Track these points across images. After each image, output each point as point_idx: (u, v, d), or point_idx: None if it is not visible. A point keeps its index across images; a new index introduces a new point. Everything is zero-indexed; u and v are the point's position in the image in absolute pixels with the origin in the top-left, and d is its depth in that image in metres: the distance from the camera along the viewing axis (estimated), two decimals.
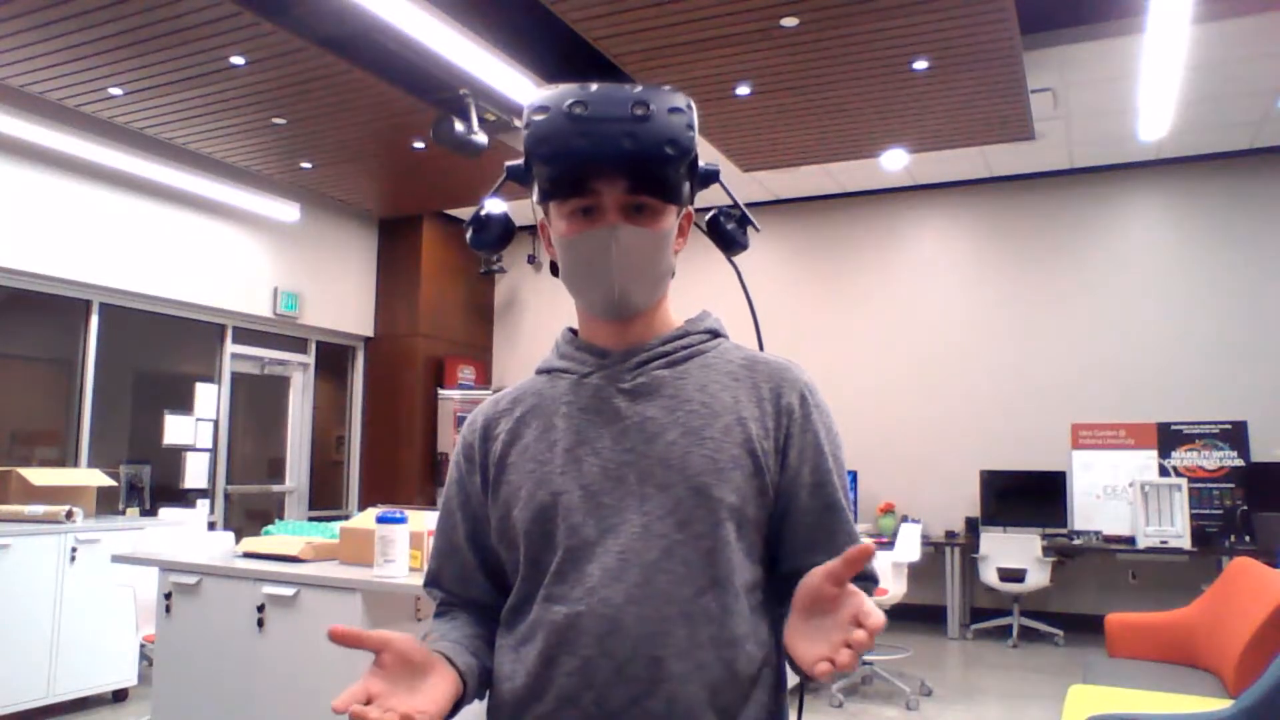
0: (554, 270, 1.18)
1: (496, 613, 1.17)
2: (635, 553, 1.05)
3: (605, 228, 1.07)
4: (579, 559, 1.07)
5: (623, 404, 1.12)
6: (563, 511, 1.09)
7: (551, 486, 1.10)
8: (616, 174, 1.06)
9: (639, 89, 1.07)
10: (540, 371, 1.23)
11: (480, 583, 1.20)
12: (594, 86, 1.07)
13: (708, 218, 1.26)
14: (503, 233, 1.25)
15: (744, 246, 1.25)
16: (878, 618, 0.84)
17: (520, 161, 1.14)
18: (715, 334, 1.21)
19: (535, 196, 1.14)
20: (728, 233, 1.24)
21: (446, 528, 1.23)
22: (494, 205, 1.26)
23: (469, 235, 1.25)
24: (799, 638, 0.92)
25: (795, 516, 1.12)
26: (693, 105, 1.08)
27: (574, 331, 1.23)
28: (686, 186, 1.12)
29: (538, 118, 1.07)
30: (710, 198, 1.35)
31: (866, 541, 1.08)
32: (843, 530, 1.12)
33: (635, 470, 1.08)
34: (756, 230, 1.25)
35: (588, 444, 1.11)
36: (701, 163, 1.14)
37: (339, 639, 0.91)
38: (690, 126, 1.06)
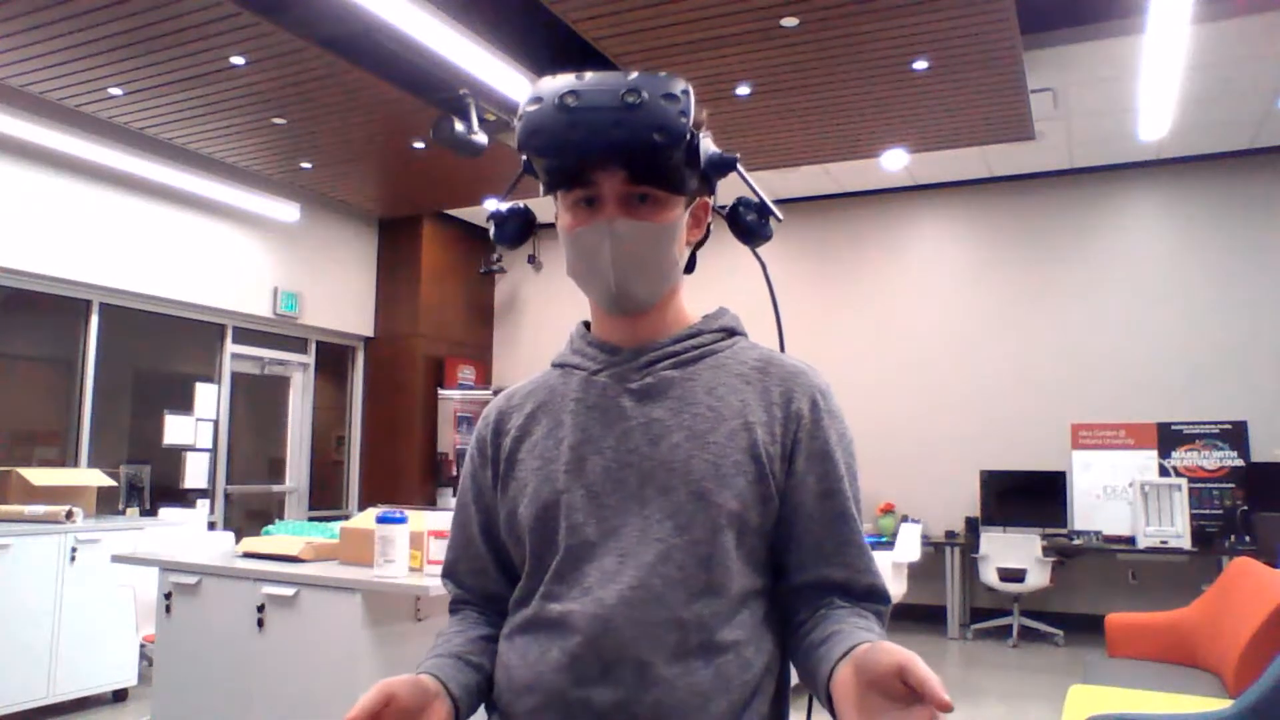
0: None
1: (508, 603, 1.17)
2: (633, 555, 1.03)
3: (602, 221, 1.06)
4: (579, 559, 1.06)
5: (629, 404, 1.10)
6: (565, 510, 1.08)
7: (555, 485, 1.09)
8: (613, 164, 1.04)
9: (634, 75, 1.04)
10: (555, 365, 1.21)
11: (494, 575, 1.20)
12: (589, 75, 1.05)
13: (727, 208, 1.22)
14: (523, 225, 1.22)
15: (765, 237, 1.21)
16: None
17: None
18: (732, 332, 1.18)
19: (542, 189, 1.12)
20: (746, 223, 1.20)
21: (462, 520, 1.22)
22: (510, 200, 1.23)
23: (492, 232, 1.22)
24: (853, 703, 0.88)
25: (802, 525, 1.09)
26: (691, 92, 1.04)
27: (588, 325, 1.21)
28: (694, 176, 1.09)
29: (531, 109, 1.05)
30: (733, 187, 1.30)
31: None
32: (853, 541, 1.10)
33: (637, 472, 1.07)
34: (778, 220, 1.21)
35: (592, 443, 1.09)
36: (718, 150, 1.10)
37: None
38: (684, 114, 1.02)
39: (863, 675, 0.87)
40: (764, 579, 1.10)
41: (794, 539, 1.09)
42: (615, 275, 1.07)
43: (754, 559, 1.08)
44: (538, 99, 1.05)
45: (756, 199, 1.20)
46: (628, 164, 1.04)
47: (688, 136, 1.03)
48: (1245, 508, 6.51)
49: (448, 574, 1.24)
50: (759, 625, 1.07)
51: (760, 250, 1.26)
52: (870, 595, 1.09)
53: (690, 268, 1.21)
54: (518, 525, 1.12)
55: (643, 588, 1.02)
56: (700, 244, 1.20)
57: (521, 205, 1.22)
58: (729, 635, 1.03)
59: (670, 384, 1.11)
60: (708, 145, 1.10)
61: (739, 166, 1.14)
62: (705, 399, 1.10)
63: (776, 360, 1.15)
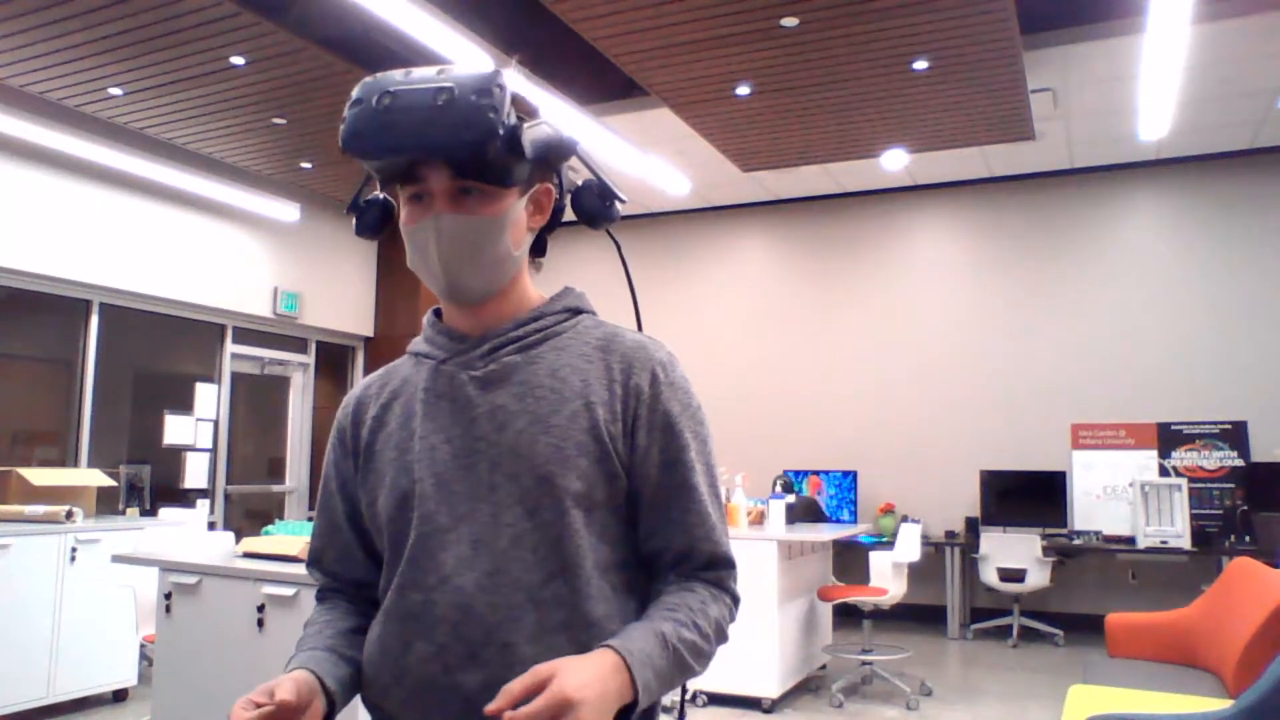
0: None
1: (377, 590, 1.18)
2: (486, 541, 1.07)
3: (429, 218, 1.08)
4: (432, 547, 1.09)
5: (474, 392, 1.12)
6: (418, 499, 1.10)
7: (410, 475, 1.12)
8: (436, 161, 1.06)
9: (449, 72, 1.05)
10: (409, 353, 1.23)
11: (362, 561, 1.22)
12: (413, 73, 1.07)
13: (570, 193, 1.23)
14: (381, 214, 1.22)
15: (609, 220, 1.22)
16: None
17: None
18: (577, 311, 1.20)
19: (378, 185, 1.16)
20: (587, 208, 1.22)
21: (327, 508, 1.24)
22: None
23: (354, 225, 1.24)
24: None
25: (648, 496, 1.12)
26: (505, 86, 1.05)
27: (439, 313, 1.23)
28: (523, 165, 1.09)
29: (351, 111, 1.07)
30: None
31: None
32: (694, 510, 1.12)
33: (486, 459, 1.09)
34: (622, 202, 1.23)
35: (442, 432, 1.12)
36: (556, 135, 1.11)
37: None
38: (495, 109, 1.03)
39: None
40: (622, 550, 1.13)
41: (642, 510, 1.13)
42: (444, 269, 1.09)
43: (607, 534, 1.11)
44: (359, 100, 1.07)
45: (598, 182, 1.21)
46: (448, 161, 1.06)
47: (500, 131, 1.03)
48: (1245, 508, 6.51)
49: (313, 563, 1.26)
50: (622, 595, 1.11)
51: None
52: (711, 563, 1.13)
53: (541, 251, 1.24)
54: (378, 516, 1.15)
55: (499, 573, 1.06)
56: (551, 228, 1.22)
57: (380, 196, 1.22)
58: (590, 609, 1.07)
59: (514, 369, 1.13)
60: (540, 132, 1.09)
61: (579, 151, 1.15)
62: (548, 382, 1.12)
63: (619, 337, 1.16)
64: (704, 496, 1.13)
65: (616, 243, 1.33)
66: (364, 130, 1.05)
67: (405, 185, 1.10)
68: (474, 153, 1.04)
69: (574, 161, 1.20)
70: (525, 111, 1.12)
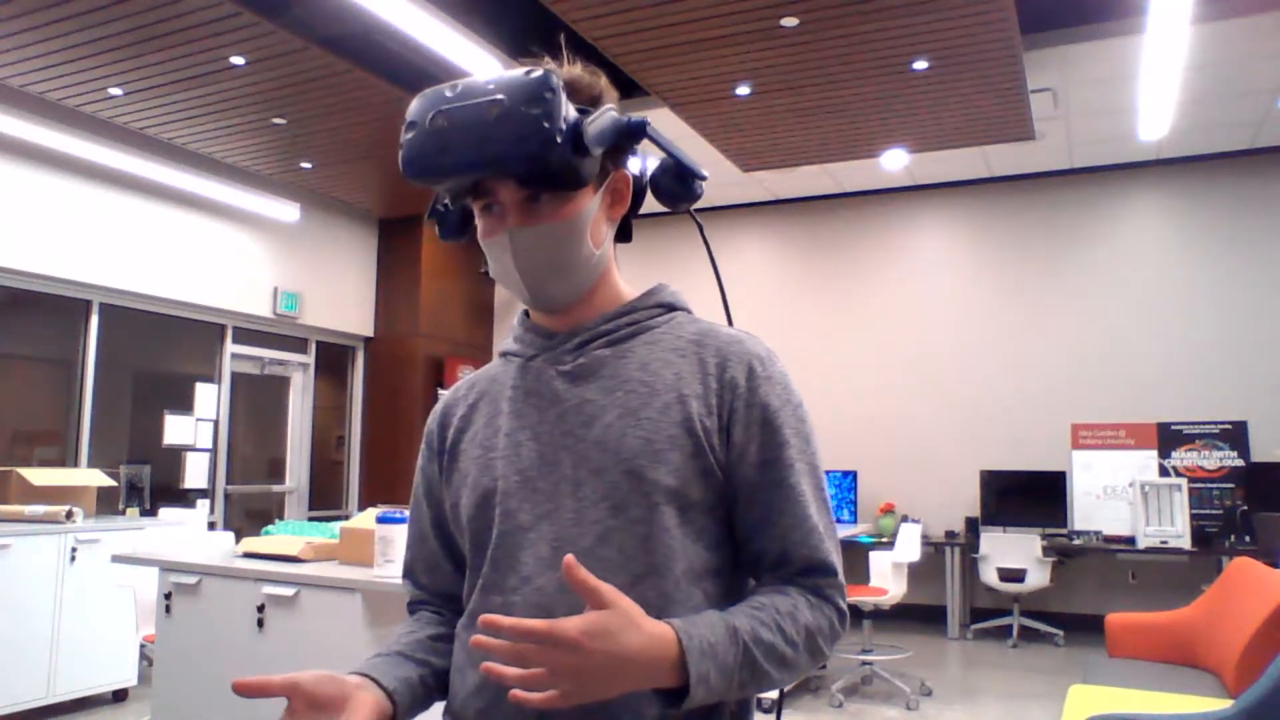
0: None
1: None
2: (569, 540, 1.01)
3: (502, 231, 1.04)
4: (513, 546, 1.04)
5: (562, 386, 1.08)
6: (500, 497, 1.06)
7: (493, 473, 1.08)
8: (501, 175, 1.02)
9: (498, 80, 1.00)
10: (500, 354, 1.21)
11: (448, 571, 1.19)
12: (460, 86, 1.02)
13: (647, 177, 1.17)
14: (462, 218, 1.18)
15: (692, 199, 1.16)
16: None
17: None
18: (671, 307, 1.15)
19: (450, 203, 1.13)
20: (664, 190, 1.16)
21: (416, 516, 1.22)
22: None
23: (438, 231, 1.20)
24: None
25: (746, 496, 1.05)
26: (558, 88, 0.99)
27: (529, 312, 1.19)
28: (591, 161, 1.04)
29: (408, 136, 1.03)
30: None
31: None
32: (790, 511, 1.04)
33: (571, 454, 1.04)
34: (702, 178, 1.16)
35: (528, 429, 1.08)
36: (623, 119, 1.07)
37: (242, 690, 0.91)
38: (550, 116, 0.97)
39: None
40: (719, 557, 1.06)
41: (739, 512, 1.06)
42: (526, 281, 1.06)
43: (705, 537, 1.04)
44: (413, 124, 1.03)
45: (674, 161, 1.14)
46: (512, 174, 1.02)
47: (558, 139, 0.98)
48: (1245, 508, 6.51)
49: (407, 573, 1.23)
50: (715, 604, 1.03)
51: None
52: (808, 569, 1.04)
53: (627, 237, 1.18)
54: (460, 516, 1.11)
55: None
56: (635, 211, 1.17)
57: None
58: (678, 617, 0.98)
59: (602, 363, 1.09)
60: (604, 122, 1.03)
61: (649, 130, 1.09)
62: (638, 375, 1.07)
63: (714, 332, 1.11)
64: (805, 498, 1.05)
65: (700, 225, 1.26)
66: (422, 156, 1.01)
67: (476, 198, 1.07)
68: (536, 165, 0.99)
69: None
70: (589, 97, 1.06)
